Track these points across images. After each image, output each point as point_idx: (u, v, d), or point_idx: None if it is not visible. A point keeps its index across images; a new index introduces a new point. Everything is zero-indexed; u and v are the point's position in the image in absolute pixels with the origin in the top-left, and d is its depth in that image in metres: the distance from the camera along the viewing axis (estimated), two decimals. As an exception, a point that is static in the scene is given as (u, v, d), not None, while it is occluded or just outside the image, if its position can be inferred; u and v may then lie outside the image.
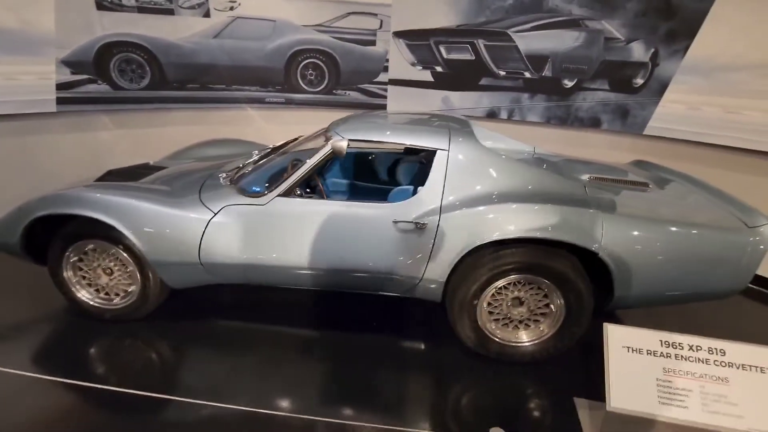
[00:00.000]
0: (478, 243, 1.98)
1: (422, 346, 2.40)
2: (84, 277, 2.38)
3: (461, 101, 4.09)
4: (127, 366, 2.18)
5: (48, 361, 2.19)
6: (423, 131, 2.26)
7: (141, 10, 3.59)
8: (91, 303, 2.39)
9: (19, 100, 3.30)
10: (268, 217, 2.18)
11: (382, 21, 4.00)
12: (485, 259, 2.04)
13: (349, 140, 2.16)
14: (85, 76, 3.57)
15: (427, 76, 4.11)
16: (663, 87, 3.25)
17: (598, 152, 3.43)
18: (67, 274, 2.34)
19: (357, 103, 4.26)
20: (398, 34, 4.01)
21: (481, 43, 3.83)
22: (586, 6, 3.38)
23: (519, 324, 2.20)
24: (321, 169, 2.56)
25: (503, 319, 2.20)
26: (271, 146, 3.01)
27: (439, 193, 2.11)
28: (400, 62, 4.09)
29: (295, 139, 3.02)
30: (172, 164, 3.11)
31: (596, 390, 2.10)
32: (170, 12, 3.68)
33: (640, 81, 3.36)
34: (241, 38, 3.93)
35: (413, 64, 4.09)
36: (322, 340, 2.43)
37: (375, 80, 4.18)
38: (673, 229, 2.00)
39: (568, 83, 3.66)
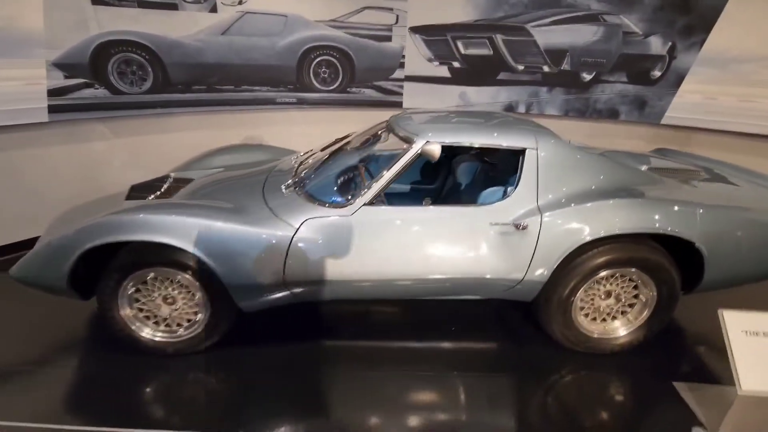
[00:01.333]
0: (586, 240, 1.98)
1: (496, 346, 2.38)
2: (141, 310, 2.11)
3: (478, 96, 4.10)
4: (191, 404, 1.95)
5: (97, 409, 1.89)
6: (508, 131, 2.22)
7: (141, 5, 3.21)
8: (155, 340, 2.12)
9: (3, 109, 2.85)
10: (356, 228, 2.04)
11: (398, 16, 3.89)
12: (585, 255, 2.05)
13: (441, 144, 2.07)
14: (80, 80, 3.15)
15: (443, 71, 4.07)
16: (680, 78, 3.45)
17: (616, 142, 3.58)
18: (125, 311, 2.06)
19: (372, 101, 4.13)
20: (415, 30, 3.93)
21: (499, 38, 3.85)
22: (605, 1, 3.49)
23: (607, 317, 2.25)
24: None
25: (593, 312, 2.23)
26: (304, 151, 2.84)
27: (533, 193, 2.09)
28: (417, 58, 4.01)
29: (344, 138, 2.86)
30: (197, 175, 2.85)
31: (685, 372, 2.22)
32: (174, 7, 3.33)
33: (657, 73, 3.54)
34: (250, 35, 3.65)
35: (430, 60, 4.03)
36: (399, 351, 2.32)
37: (390, 77, 4.07)
38: (750, 214, 2.13)
39: (587, 76, 3.78)
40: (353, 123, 4.23)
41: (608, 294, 2.20)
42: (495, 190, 2.19)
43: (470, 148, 2.60)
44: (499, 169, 2.48)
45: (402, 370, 2.17)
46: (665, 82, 3.53)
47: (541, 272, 2.07)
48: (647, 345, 2.30)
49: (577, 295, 2.13)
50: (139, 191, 2.60)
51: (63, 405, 1.93)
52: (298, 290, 2.09)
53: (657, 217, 1.99)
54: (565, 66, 3.78)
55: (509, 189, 2.14)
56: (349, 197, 2.10)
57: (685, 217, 2.01)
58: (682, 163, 2.79)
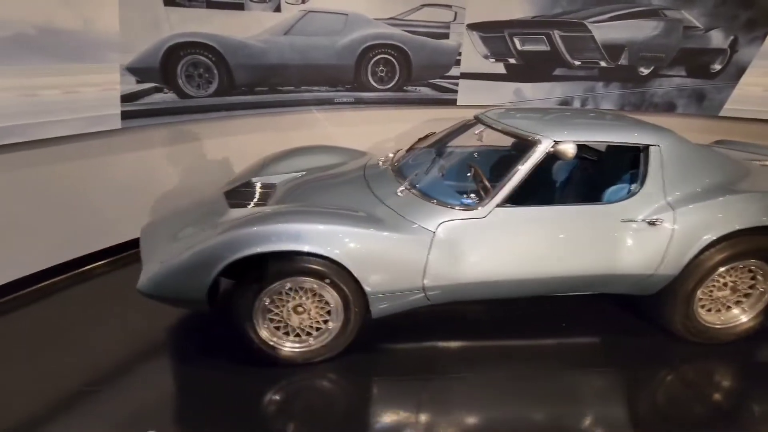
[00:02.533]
0: (721, 234, 2.02)
1: (599, 341, 2.40)
2: (272, 320, 2.06)
3: (534, 92, 4.12)
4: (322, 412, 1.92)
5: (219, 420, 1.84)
6: (629, 129, 2.24)
7: (210, 5, 3.11)
8: (288, 350, 2.08)
9: (80, 117, 2.73)
10: (490, 229, 2.04)
11: (456, 13, 3.86)
12: (714, 248, 2.09)
13: (568, 142, 2.08)
14: (150, 85, 3.03)
15: (499, 68, 4.07)
16: (740, 71, 3.54)
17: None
18: (259, 322, 2.01)
19: (426, 100, 4.11)
20: (472, 27, 3.91)
21: (556, 34, 3.87)
22: (666, -4, 3.55)
23: (721, 306, 2.30)
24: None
25: (709, 303, 2.28)
26: (391, 152, 2.83)
27: (660, 189, 2.12)
28: (473, 55, 4.00)
29: (426, 137, 2.85)
30: (277, 180, 2.81)
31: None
32: (240, 7, 3.24)
33: (717, 67, 3.62)
34: (312, 34, 3.58)
35: (486, 57, 4.03)
36: (516, 350, 2.34)
37: (445, 74, 4.05)
38: None
39: (645, 71, 3.83)
40: (409, 121, 4.23)
41: (725, 285, 2.25)
42: (619, 188, 2.21)
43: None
44: (604, 166, 2.50)
45: (514, 369, 2.19)
46: (725, 75, 3.62)
47: (673, 267, 2.11)
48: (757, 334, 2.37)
49: (701, 287, 2.18)
50: (235, 198, 2.54)
51: (175, 413, 1.90)
52: (433, 293, 2.07)
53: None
54: (623, 61, 3.82)
55: (633, 186, 2.16)
56: (478, 199, 2.09)
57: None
58: (752, 153, 2.86)
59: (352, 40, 3.73)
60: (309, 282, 1.98)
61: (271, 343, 2.07)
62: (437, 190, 2.25)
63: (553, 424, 1.89)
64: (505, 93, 4.14)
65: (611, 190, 2.22)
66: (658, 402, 2.03)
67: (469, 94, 4.14)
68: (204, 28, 3.15)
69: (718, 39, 3.55)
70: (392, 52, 3.88)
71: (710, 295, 2.25)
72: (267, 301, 2.00)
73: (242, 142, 3.65)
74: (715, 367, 2.24)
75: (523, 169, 2.08)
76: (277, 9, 3.40)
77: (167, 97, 3.14)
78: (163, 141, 3.28)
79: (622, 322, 2.54)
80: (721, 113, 3.72)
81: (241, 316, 1.98)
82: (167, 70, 3.07)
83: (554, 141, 2.10)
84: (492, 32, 3.93)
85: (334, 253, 1.89)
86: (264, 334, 2.05)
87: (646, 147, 2.16)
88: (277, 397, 2.00)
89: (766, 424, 1.90)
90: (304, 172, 2.93)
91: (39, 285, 2.81)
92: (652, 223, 2.06)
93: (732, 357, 2.29)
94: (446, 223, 2.03)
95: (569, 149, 2.04)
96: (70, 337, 2.37)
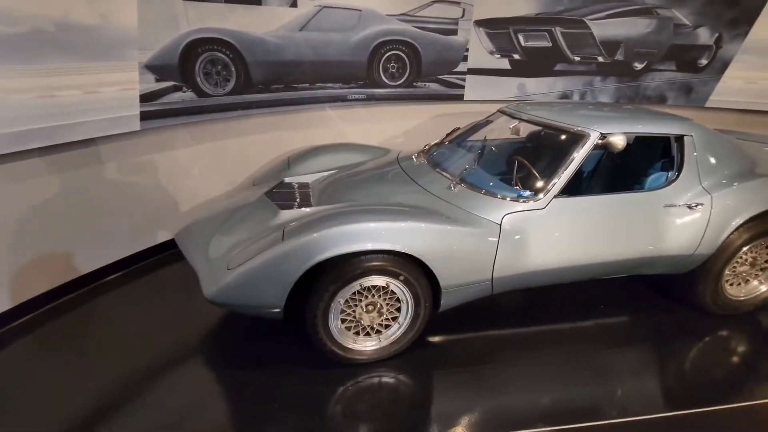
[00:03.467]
0: (753, 214, 2.24)
1: (628, 319, 2.59)
2: (343, 320, 2.05)
3: (536, 87, 4.28)
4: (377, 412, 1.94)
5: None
6: (662, 120, 2.41)
7: (228, 0, 2.99)
8: (360, 350, 2.10)
9: (99, 119, 2.55)
10: (551, 219, 2.14)
11: (464, 9, 3.93)
12: (742, 228, 2.31)
13: (616, 134, 2.21)
14: (169, 84, 2.88)
15: (504, 64, 4.20)
16: (724, 66, 3.86)
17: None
18: (334, 324, 2.00)
19: (434, 95, 4.17)
20: (479, 23, 4.00)
21: (558, 31, 4.04)
22: (658, -4, 3.81)
23: (741, 280, 2.54)
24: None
25: (732, 278, 2.51)
26: (423, 146, 2.89)
27: (696, 175, 2.30)
28: (479, 51, 4.09)
29: (453, 131, 2.93)
30: (309, 179, 2.80)
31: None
32: (257, 2, 3.13)
33: (704, 61, 3.93)
34: (326, 30, 3.52)
35: (492, 53, 4.13)
36: (557, 333, 2.46)
37: (453, 70, 4.12)
38: None
39: (639, 66, 4.09)
40: (417, 117, 4.27)
41: (746, 261, 2.49)
42: (658, 176, 2.38)
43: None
44: (631, 156, 2.67)
45: (559, 352, 2.31)
46: (711, 70, 3.94)
47: (709, 246, 2.31)
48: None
49: (730, 264, 2.40)
50: (276, 198, 2.50)
51: (243, 417, 1.88)
52: (499, 283, 2.15)
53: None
54: (619, 56, 4.06)
55: (670, 174, 2.33)
56: (535, 191, 2.18)
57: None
58: (755, 141, 3.15)
59: (365, 36, 3.71)
60: (382, 280, 2.00)
61: (345, 344, 2.07)
62: (488, 183, 2.32)
63: (604, 402, 2.00)
64: (509, 88, 4.27)
65: (651, 178, 2.39)
66: (695, 372, 2.22)
67: (475, 89, 4.24)
68: (222, 24, 3.02)
69: (704, 36, 3.86)
70: (403, 48, 3.90)
71: (734, 271, 2.48)
72: (342, 302, 1.99)
73: (258, 141, 3.55)
74: (743, 336, 2.47)
75: (576, 161, 2.20)
76: (293, 4, 3.32)
77: (185, 96, 2.99)
78: (181, 142, 3.13)
79: (650, 301, 2.74)
80: (707, 104, 4.06)
81: (316, 319, 1.96)
82: (185, 68, 2.93)
83: (601, 133, 2.23)
84: (497, 29, 4.05)
85: (413, 249, 1.91)
86: (337, 335, 2.04)
87: (681, 137, 2.34)
88: (344, 397, 2.00)
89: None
90: (334, 171, 2.91)
91: (54, 303, 2.62)
92: (691, 207, 2.24)
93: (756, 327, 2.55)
94: (510, 215, 2.10)
95: (619, 141, 2.17)
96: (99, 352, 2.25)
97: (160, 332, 2.38)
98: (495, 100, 4.32)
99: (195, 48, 2.94)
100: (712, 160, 2.34)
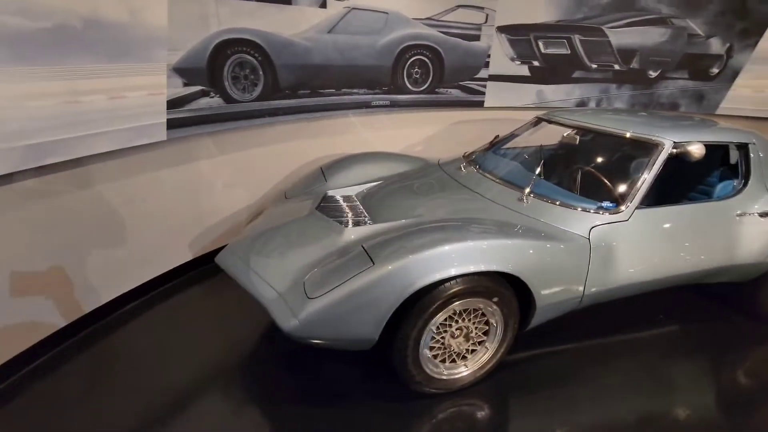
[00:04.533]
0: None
1: (701, 328, 2.58)
2: (430, 348, 1.87)
3: (554, 94, 4.28)
4: None
5: None
6: (722, 130, 2.41)
7: (259, -2, 2.75)
8: (454, 378, 1.92)
9: (125, 128, 2.25)
10: (635, 230, 2.07)
11: (487, 15, 3.87)
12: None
13: (692, 143, 2.17)
14: (197, 88, 2.60)
15: (524, 70, 4.16)
16: (735, 74, 4.00)
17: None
18: (424, 352, 1.82)
19: (455, 102, 4.07)
20: (501, 29, 3.94)
21: (576, 38, 4.05)
22: (673, 6, 3.89)
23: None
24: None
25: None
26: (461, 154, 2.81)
27: (762, 183, 2.31)
28: (501, 57, 4.04)
29: (494, 140, 2.84)
30: (352, 191, 2.63)
31: None
32: (287, 1, 2.90)
33: (716, 70, 4.05)
34: (354, 33, 3.34)
35: (512, 59, 4.09)
36: (618, 345, 2.41)
37: (475, 76, 4.04)
38: None
39: (653, 74, 4.17)
40: (438, 124, 4.16)
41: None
42: (725, 184, 2.37)
43: None
44: (690, 165, 2.66)
45: (621, 365, 2.26)
46: (722, 78, 4.07)
47: (778, 254, 2.31)
48: None
49: (788, 267, 2.42)
50: (332, 214, 2.30)
51: None
52: (589, 298, 2.04)
53: None
54: (634, 64, 4.13)
55: (736, 182, 2.33)
56: (617, 202, 2.10)
57: None
58: None
59: (391, 40, 3.55)
60: (478, 302, 1.84)
61: (433, 374, 1.89)
62: (559, 194, 2.22)
63: (667, 413, 1.96)
64: (527, 94, 4.25)
65: (719, 187, 2.37)
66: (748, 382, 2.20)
67: (495, 95, 4.18)
68: (252, 24, 2.77)
69: (716, 46, 3.99)
70: (427, 54, 3.78)
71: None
72: (434, 329, 1.81)
73: (281, 150, 3.31)
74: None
75: (654, 171, 2.14)
76: (323, 5, 3.12)
77: (213, 102, 2.72)
78: (207, 152, 2.84)
79: (703, 309, 2.74)
80: (717, 111, 4.19)
81: (407, 349, 1.77)
82: (214, 71, 2.66)
83: (674, 142, 2.18)
84: (519, 35, 4.01)
85: (515, 269, 1.77)
86: (427, 364, 1.86)
87: (745, 145, 2.34)
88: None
89: None
90: (378, 182, 2.74)
91: (81, 334, 2.28)
92: (763, 215, 2.24)
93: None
94: (597, 227, 2.01)
95: (697, 149, 2.13)
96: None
97: (195, 364, 2.12)
98: (514, 107, 4.30)
99: (224, 50, 2.68)
100: (771, 167, 2.37)
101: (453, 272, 1.67)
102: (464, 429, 1.84)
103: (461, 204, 2.27)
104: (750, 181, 2.30)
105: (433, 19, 3.71)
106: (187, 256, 2.88)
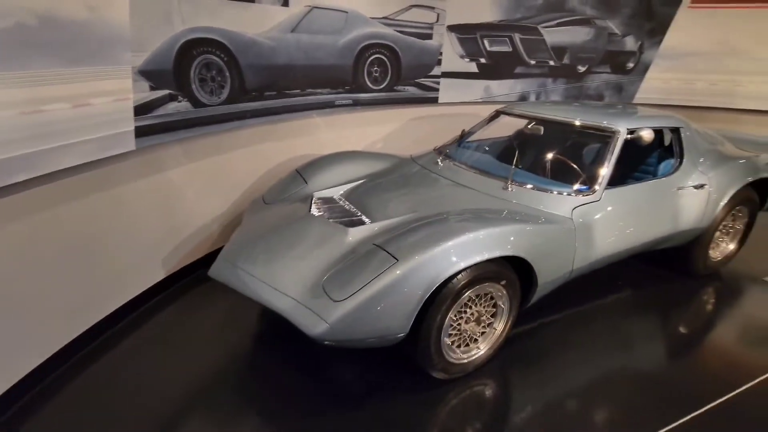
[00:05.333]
0: (739, 188, 2.73)
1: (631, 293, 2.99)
2: (450, 335, 1.96)
3: (499, 89, 4.59)
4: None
5: None
6: (658, 116, 2.80)
7: (222, -6, 2.60)
8: (470, 360, 2.04)
9: (90, 139, 2.03)
10: (606, 208, 2.34)
11: (438, 14, 4.03)
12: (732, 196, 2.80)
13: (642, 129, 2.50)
14: (165, 92, 2.40)
15: (473, 67, 4.41)
16: (646, 68, 4.61)
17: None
18: (445, 339, 1.91)
19: (412, 99, 4.19)
20: (451, 28, 4.14)
21: (517, 37, 4.39)
22: (595, 8, 4.38)
23: (715, 245, 3.09)
24: None
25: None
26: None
27: (694, 161, 2.73)
28: (451, 55, 4.24)
29: (462, 135, 3.02)
30: (333, 192, 2.66)
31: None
32: (251, -1, 2.79)
33: (631, 65, 4.63)
34: (316, 32, 3.30)
35: (462, 57, 4.31)
36: (589, 311, 2.71)
37: (428, 74, 4.20)
38: None
39: (581, 69, 4.66)
40: (396, 121, 4.27)
41: (724, 227, 3.01)
42: (666, 163, 2.75)
43: None
44: (632, 147, 3.05)
45: (593, 328, 2.59)
46: (636, 72, 4.67)
47: (709, 219, 2.75)
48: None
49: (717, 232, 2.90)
50: (334, 215, 2.31)
51: None
52: (576, 272, 2.28)
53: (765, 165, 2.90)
54: (566, 60, 4.58)
55: (673, 161, 2.73)
56: (588, 184, 2.35)
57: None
58: None
59: (351, 39, 3.57)
60: (490, 287, 1.97)
61: (451, 359, 1.98)
62: (535, 180, 2.43)
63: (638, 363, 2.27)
64: (476, 90, 4.51)
65: (662, 166, 2.76)
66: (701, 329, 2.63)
67: (448, 92, 4.38)
68: (215, 23, 2.62)
69: (630, 43, 4.56)
70: (385, 52, 3.85)
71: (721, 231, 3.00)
72: (453, 316, 1.91)
73: (250, 154, 3.18)
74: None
75: (615, 155, 2.43)
76: (285, 3, 3.04)
77: (181, 107, 2.53)
78: (176, 161, 2.64)
79: (652, 274, 3.15)
80: (634, 101, 4.81)
81: (430, 339, 1.84)
82: (181, 73, 2.48)
83: (628, 129, 2.51)
84: (467, 34, 4.24)
85: (521, 252, 1.92)
86: (447, 351, 1.95)
87: (677, 128, 2.75)
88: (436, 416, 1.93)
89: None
90: (361, 181, 2.77)
91: (55, 372, 2.02)
92: (697, 188, 2.66)
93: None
94: (577, 208, 2.25)
95: (647, 134, 2.46)
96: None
97: (184, 383, 2.00)
98: (466, 102, 4.54)
99: (190, 50, 2.51)
100: (701, 147, 2.81)
101: (478, 259, 1.78)
102: (474, 408, 1.95)
103: (450, 196, 2.39)
104: (684, 160, 2.71)
105: (389, 19, 3.79)
106: (160, 275, 2.66)
